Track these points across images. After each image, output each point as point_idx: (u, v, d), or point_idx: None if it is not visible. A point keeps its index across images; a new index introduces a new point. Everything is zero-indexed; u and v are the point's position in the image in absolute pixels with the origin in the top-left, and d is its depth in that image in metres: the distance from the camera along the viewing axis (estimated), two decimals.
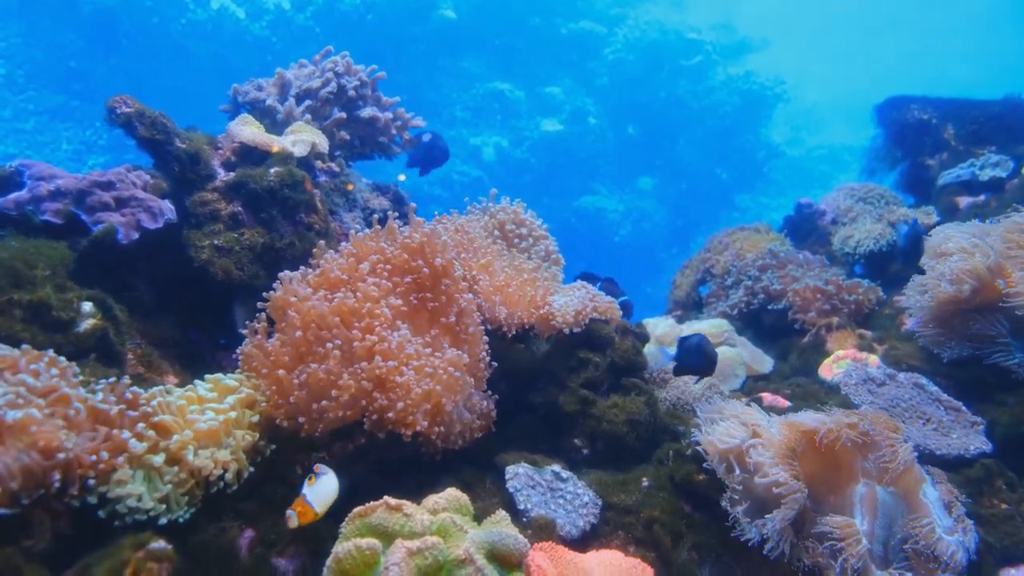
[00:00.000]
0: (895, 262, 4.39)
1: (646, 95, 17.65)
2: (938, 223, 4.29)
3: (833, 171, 21.58)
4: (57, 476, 1.74)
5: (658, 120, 17.72)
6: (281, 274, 2.56)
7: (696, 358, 2.81)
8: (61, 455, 1.74)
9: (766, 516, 2.10)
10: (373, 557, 1.68)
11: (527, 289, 2.93)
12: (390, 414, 2.22)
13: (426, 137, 3.84)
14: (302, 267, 2.64)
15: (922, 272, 3.27)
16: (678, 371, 2.97)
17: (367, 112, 3.79)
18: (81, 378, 2.02)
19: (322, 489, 1.96)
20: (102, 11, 14.22)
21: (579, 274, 3.45)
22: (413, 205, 2.87)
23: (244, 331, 2.52)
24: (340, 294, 2.43)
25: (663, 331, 4.07)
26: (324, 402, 2.22)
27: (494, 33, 17.21)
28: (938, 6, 27.94)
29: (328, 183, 3.47)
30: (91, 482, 1.84)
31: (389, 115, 3.89)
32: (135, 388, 2.09)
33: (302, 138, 3.31)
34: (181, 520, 1.94)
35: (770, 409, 3.16)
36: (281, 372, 2.28)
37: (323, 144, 3.42)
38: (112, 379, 2.08)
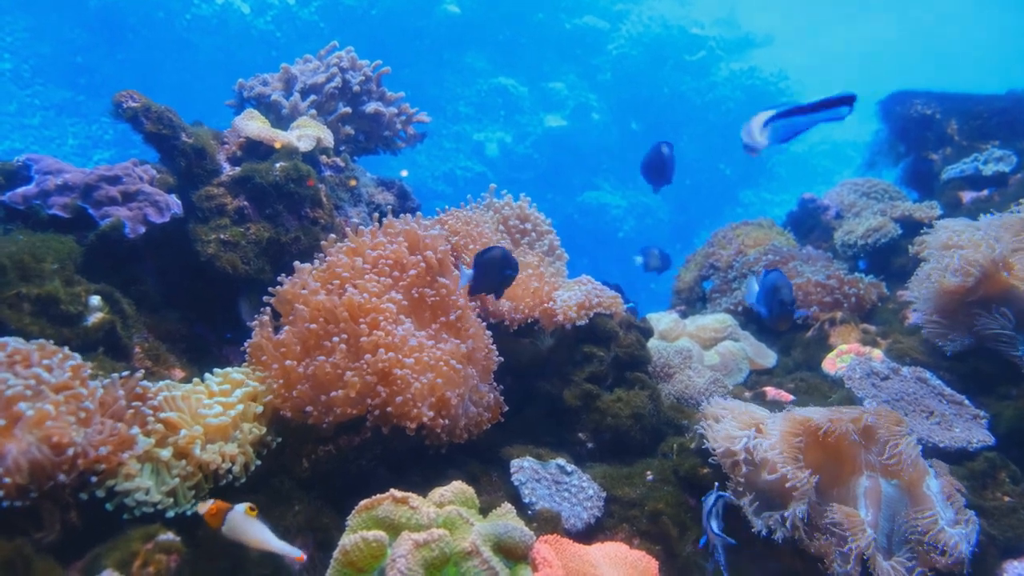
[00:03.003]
0: (899, 256, 4.38)
1: (649, 90, 17.63)
2: (941, 217, 4.29)
3: (836, 166, 21.53)
4: (66, 470, 1.75)
5: (662, 115, 17.69)
6: (297, 264, 2.57)
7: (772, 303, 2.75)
8: (71, 450, 1.75)
9: (777, 509, 2.12)
10: (380, 549, 1.69)
11: (531, 283, 2.94)
12: (390, 408, 2.23)
13: (664, 149, 3.51)
14: (309, 263, 2.65)
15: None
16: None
17: (372, 107, 3.80)
18: (90, 372, 2.03)
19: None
20: (108, 6, 14.25)
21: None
22: (418, 216, 2.88)
23: (251, 324, 2.53)
24: (348, 288, 2.44)
25: (666, 326, 4.08)
26: (332, 394, 2.23)
27: (498, 28, 17.21)
28: (942, 0, 27.85)
29: (333, 178, 3.48)
30: (98, 477, 1.85)
31: (393, 110, 3.90)
32: (145, 382, 2.11)
33: (307, 133, 3.32)
34: (189, 513, 1.96)
35: (774, 403, 3.18)
36: (289, 363, 2.30)
37: (328, 139, 3.43)
38: (125, 373, 2.09)
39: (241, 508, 1.84)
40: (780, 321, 2.89)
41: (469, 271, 2.64)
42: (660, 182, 3.43)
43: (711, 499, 2.18)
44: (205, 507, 1.88)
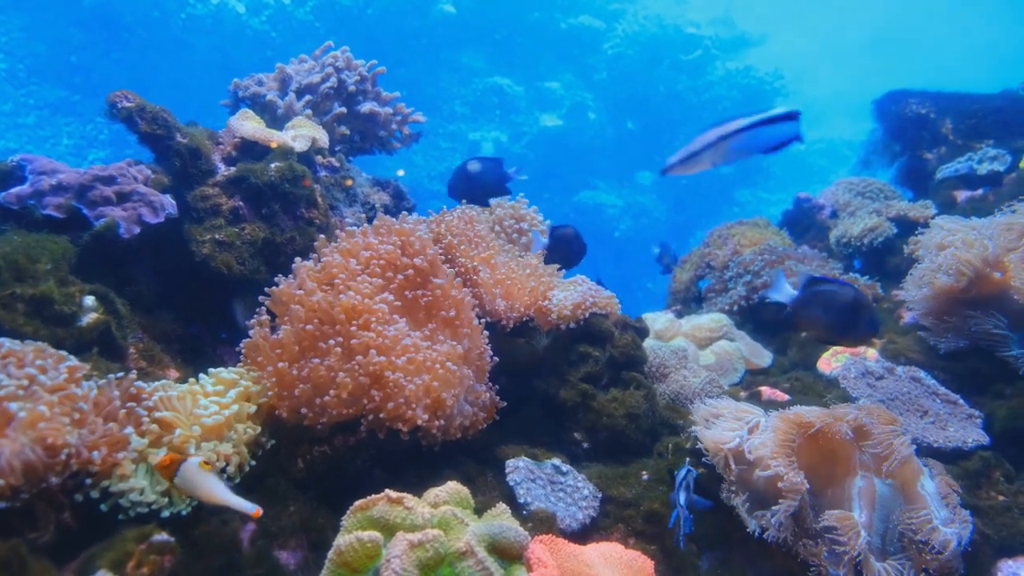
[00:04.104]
0: (894, 255, 4.39)
1: (645, 90, 17.65)
2: (936, 215, 4.30)
3: (832, 165, 21.60)
4: (60, 471, 1.75)
5: (657, 115, 17.72)
6: (297, 261, 2.56)
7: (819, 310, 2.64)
8: (65, 452, 1.75)
9: (770, 508, 2.12)
10: (375, 549, 1.69)
11: (528, 283, 2.94)
12: (382, 414, 2.23)
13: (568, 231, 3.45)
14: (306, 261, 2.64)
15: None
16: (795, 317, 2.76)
17: (367, 107, 3.80)
18: (84, 374, 2.02)
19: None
20: (103, 5, 14.23)
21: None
22: (404, 215, 2.88)
23: (245, 325, 2.53)
24: (341, 289, 2.44)
25: (662, 326, 4.09)
26: (326, 397, 2.23)
27: (494, 28, 17.22)
28: (939, 0, 27.93)
29: (328, 178, 3.47)
30: (93, 477, 1.85)
31: (389, 110, 3.90)
32: (139, 383, 2.10)
33: (302, 133, 3.32)
34: (184, 513, 1.95)
35: (769, 403, 3.18)
36: (283, 364, 2.29)
37: (323, 139, 3.43)
38: (120, 374, 2.09)
39: (196, 461, 1.82)
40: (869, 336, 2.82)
41: (544, 239, 2.65)
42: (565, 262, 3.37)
43: (682, 473, 2.18)
44: (157, 458, 1.87)
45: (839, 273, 4.23)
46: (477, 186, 3.30)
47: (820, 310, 2.62)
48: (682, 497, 2.11)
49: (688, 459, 2.46)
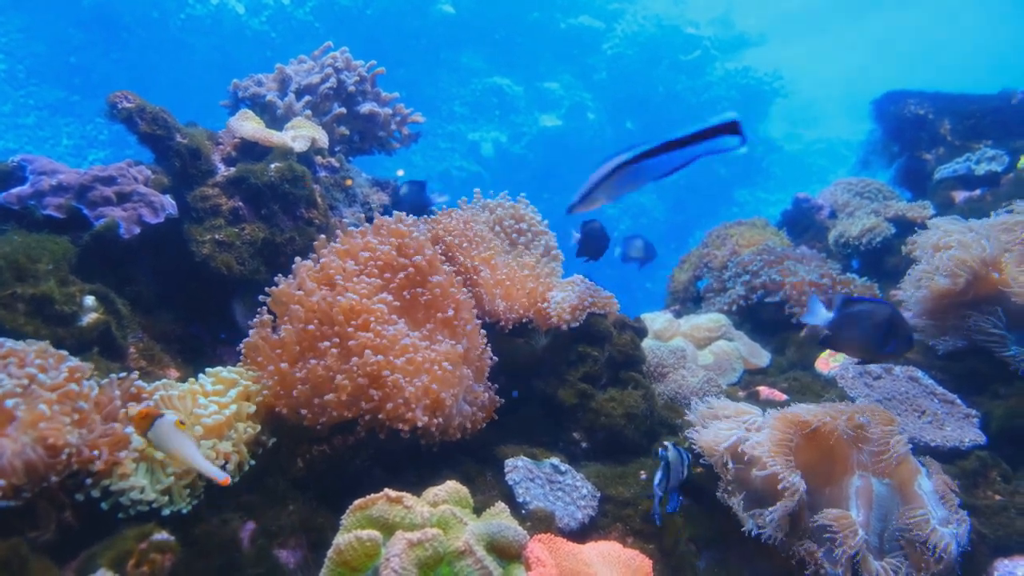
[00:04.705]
0: (892, 256, 4.40)
1: (645, 90, 17.67)
2: (934, 215, 4.31)
3: (831, 165, 21.62)
4: (61, 471, 1.76)
5: (657, 115, 17.73)
6: (298, 260, 2.57)
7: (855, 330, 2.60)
8: (66, 451, 1.76)
9: (767, 507, 2.13)
10: (374, 548, 1.70)
11: (527, 283, 2.95)
12: (381, 415, 2.24)
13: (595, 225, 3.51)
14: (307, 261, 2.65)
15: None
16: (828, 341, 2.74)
17: (366, 107, 3.81)
18: (85, 372, 2.03)
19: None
20: (103, 6, 14.24)
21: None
22: (400, 215, 2.88)
23: (245, 325, 2.54)
24: (340, 290, 2.45)
25: (661, 326, 4.09)
26: (325, 397, 2.24)
27: (493, 28, 17.23)
28: (937, 0, 27.91)
29: (328, 178, 3.48)
30: (94, 476, 1.86)
31: (388, 110, 3.91)
32: (140, 382, 2.11)
33: (302, 133, 3.33)
34: (184, 511, 1.96)
35: (767, 402, 3.19)
36: (284, 365, 2.30)
37: (323, 139, 3.43)
38: (123, 374, 2.10)
39: (171, 418, 1.82)
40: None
41: (578, 234, 2.94)
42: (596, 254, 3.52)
43: (664, 453, 2.20)
44: (135, 410, 1.86)
45: (837, 273, 4.23)
46: (404, 207, 3.48)
47: (857, 330, 2.62)
48: (657, 476, 2.16)
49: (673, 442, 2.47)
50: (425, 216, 3.12)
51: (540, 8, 17.49)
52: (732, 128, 1.62)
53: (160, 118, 2.90)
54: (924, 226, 3.48)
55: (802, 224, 5.35)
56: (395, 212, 2.81)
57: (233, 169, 3.04)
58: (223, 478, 1.77)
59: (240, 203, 2.97)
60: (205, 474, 1.78)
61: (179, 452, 1.79)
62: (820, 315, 2.66)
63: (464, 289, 2.76)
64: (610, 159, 1.69)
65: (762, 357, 3.90)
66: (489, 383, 2.70)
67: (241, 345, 2.50)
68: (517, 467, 2.41)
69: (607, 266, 3.79)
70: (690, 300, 5.02)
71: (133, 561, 1.74)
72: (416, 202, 3.64)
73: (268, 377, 2.33)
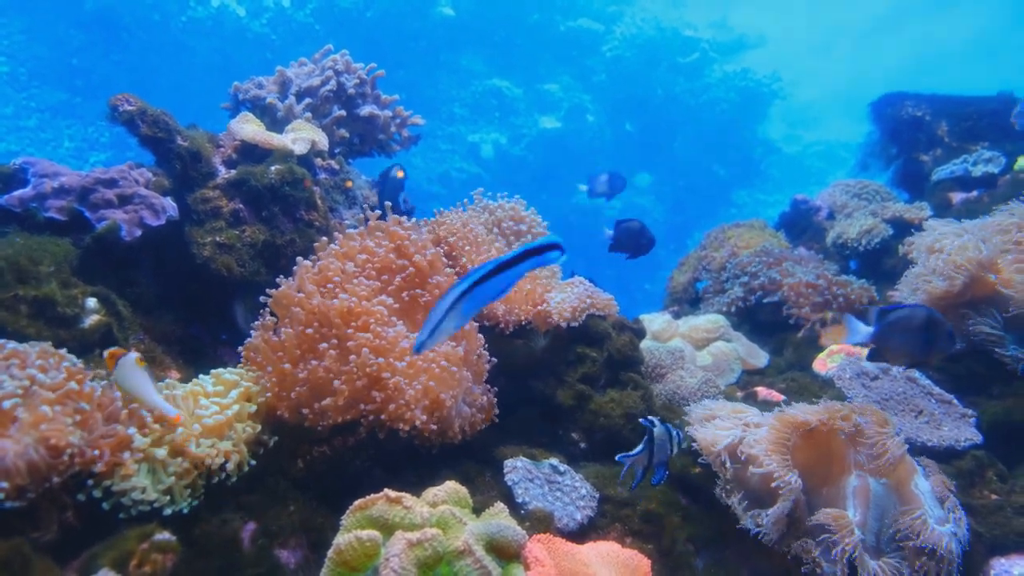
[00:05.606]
0: (890, 257, 4.41)
1: (644, 92, 17.69)
2: (931, 217, 4.32)
3: (829, 167, 21.63)
4: (63, 471, 1.77)
5: (655, 117, 17.76)
6: (299, 261, 2.58)
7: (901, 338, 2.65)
8: (68, 452, 1.77)
9: (765, 506, 2.14)
10: (374, 548, 1.71)
11: (525, 285, 2.96)
12: (383, 416, 2.25)
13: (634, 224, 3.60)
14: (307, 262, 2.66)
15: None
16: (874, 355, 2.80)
17: (366, 110, 3.82)
18: (88, 374, 2.04)
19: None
20: (104, 8, 14.26)
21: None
22: (388, 204, 2.89)
23: (246, 327, 2.55)
24: (338, 293, 2.46)
25: (660, 326, 4.11)
26: (326, 400, 2.25)
27: (493, 30, 17.26)
28: (935, 2, 27.90)
29: (328, 180, 3.49)
30: (96, 477, 1.87)
31: (388, 113, 3.92)
32: None
33: (302, 136, 3.34)
34: (185, 511, 1.98)
35: (765, 403, 3.20)
36: (286, 366, 2.31)
37: (323, 142, 3.45)
38: None
39: (133, 356, 1.84)
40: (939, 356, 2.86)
41: (610, 231, 2.97)
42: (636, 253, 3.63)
43: (651, 428, 2.22)
44: (109, 352, 1.90)
45: (834, 274, 4.25)
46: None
47: (900, 337, 2.65)
48: (639, 447, 2.21)
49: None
50: (426, 218, 3.14)
51: (540, 10, 17.51)
52: (554, 247, 1.71)
53: (161, 121, 2.92)
54: (921, 227, 3.50)
55: (800, 226, 5.36)
56: (391, 215, 2.82)
57: (234, 171, 3.05)
58: (175, 415, 1.80)
59: (241, 205, 2.98)
60: (157, 410, 1.79)
61: (135, 388, 1.82)
62: (861, 332, 2.70)
63: None
64: (451, 290, 1.75)
65: (760, 358, 3.91)
66: (488, 385, 2.71)
67: (242, 347, 2.51)
68: (516, 467, 2.42)
69: (607, 267, 3.80)
70: (689, 301, 5.03)
71: (135, 561, 1.75)
72: (389, 191, 3.79)
73: (269, 378, 2.34)
